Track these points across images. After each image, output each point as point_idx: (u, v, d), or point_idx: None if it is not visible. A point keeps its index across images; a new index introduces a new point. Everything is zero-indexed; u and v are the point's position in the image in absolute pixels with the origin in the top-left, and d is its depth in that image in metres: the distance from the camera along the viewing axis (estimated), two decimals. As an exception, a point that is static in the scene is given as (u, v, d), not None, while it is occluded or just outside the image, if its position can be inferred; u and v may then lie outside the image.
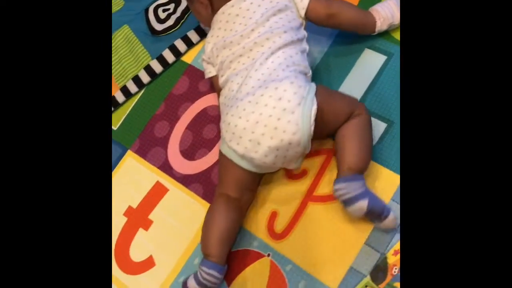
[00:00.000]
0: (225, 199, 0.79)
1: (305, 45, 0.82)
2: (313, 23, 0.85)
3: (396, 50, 0.86)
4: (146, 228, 0.88)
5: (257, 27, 0.81)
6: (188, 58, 1.00)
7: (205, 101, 0.94)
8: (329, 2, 0.85)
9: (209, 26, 0.90)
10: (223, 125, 0.79)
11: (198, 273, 0.74)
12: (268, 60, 0.78)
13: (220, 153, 0.80)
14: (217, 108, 0.92)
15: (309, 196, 0.81)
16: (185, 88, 0.97)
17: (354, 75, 0.87)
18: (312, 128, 0.74)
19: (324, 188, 0.81)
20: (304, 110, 0.73)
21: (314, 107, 0.74)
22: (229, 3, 0.85)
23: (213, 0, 0.87)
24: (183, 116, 0.95)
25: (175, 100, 0.97)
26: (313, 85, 0.77)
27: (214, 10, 0.88)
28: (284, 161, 0.76)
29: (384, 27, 0.85)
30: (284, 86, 0.74)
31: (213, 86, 0.89)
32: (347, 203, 0.73)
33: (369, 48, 0.88)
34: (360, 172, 0.75)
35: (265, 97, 0.74)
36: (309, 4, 0.83)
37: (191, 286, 0.74)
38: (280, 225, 0.81)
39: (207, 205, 0.86)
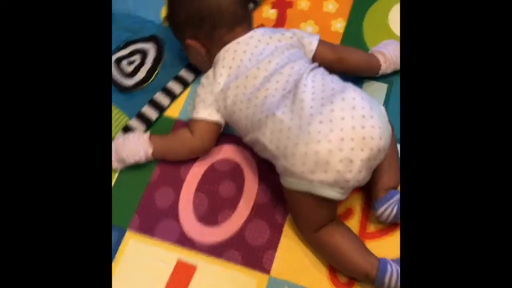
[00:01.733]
0: (322, 227, 0.71)
1: None
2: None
3: (394, 77, 0.88)
4: (182, 320, 0.72)
5: (273, 59, 0.75)
6: (172, 112, 0.87)
7: (210, 157, 0.82)
8: (336, 46, 0.84)
9: (206, 70, 0.81)
10: (292, 161, 0.67)
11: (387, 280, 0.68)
12: (308, 80, 0.71)
13: (296, 194, 0.69)
14: (226, 162, 0.82)
15: (364, 235, 0.76)
16: (179, 146, 0.84)
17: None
18: (390, 128, 0.70)
19: (375, 223, 0.76)
20: (378, 112, 0.69)
21: (382, 106, 0.71)
22: (233, 41, 0.78)
23: (210, 47, 0.80)
24: (188, 177, 0.81)
25: (172, 162, 0.83)
26: None
27: (212, 55, 0.80)
28: (369, 173, 0.69)
29: (388, 71, 0.86)
30: (350, 94, 0.68)
31: (203, 133, 0.78)
32: (396, 218, 0.73)
33: (368, 78, 0.88)
34: (395, 189, 0.74)
35: (336, 111, 0.66)
36: (317, 47, 0.80)
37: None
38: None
39: (251, 272, 0.73)
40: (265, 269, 0.74)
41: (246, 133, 0.76)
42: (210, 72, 0.80)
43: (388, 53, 0.85)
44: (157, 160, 0.82)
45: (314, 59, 0.80)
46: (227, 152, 0.83)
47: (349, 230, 0.73)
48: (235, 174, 0.81)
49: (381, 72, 0.85)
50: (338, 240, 0.70)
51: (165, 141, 0.81)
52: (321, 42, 0.80)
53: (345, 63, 0.82)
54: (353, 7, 0.95)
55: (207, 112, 0.78)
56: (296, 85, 0.70)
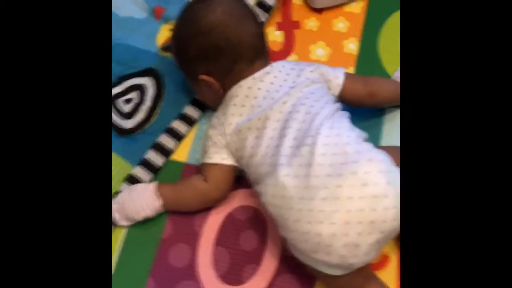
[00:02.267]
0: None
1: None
2: (346, 103, 0.72)
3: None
4: None
5: (289, 99, 0.67)
6: (180, 155, 0.78)
7: (227, 205, 0.74)
8: (364, 78, 0.76)
9: (216, 107, 0.73)
10: (293, 236, 0.61)
11: None
12: (321, 134, 0.62)
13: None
14: (245, 209, 0.74)
15: (404, 284, 0.70)
16: (191, 194, 0.75)
17: (389, 132, 0.78)
18: None
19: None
20: (396, 188, 0.59)
21: (399, 178, 0.60)
22: (248, 78, 0.70)
23: (225, 83, 0.71)
24: (204, 230, 0.73)
25: (184, 213, 0.74)
26: (382, 151, 0.63)
27: (225, 92, 0.71)
28: (379, 252, 0.62)
29: None
30: (364, 168, 0.59)
31: (218, 179, 0.70)
32: None
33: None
34: None
35: (344, 188, 0.58)
36: (344, 82, 0.72)
37: None
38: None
39: (285, 336, 0.67)
40: (301, 331, 0.67)
41: (253, 183, 0.68)
42: (220, 112, 0.72)
43: None
44: (168, 211, 0.74)
45: (341, 95, 0.72)
46: (245, 197, 0.75)
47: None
48: (256, 222, 0.73)
49: None
50: None
51: (175, 190, 0.73)
52: (347, 76, 0.72)
53: (377, 97, 0.74)
54: (365, 24, 0.88)
55: (220, 156, 0.70)
56: (307, 139, 0.62)
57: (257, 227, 0.73)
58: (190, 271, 0.71)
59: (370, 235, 0.58)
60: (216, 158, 0.70)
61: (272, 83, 0.69)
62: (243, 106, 0.69)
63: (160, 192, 0.72)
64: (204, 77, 0.70)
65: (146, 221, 0.73)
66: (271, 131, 0.65)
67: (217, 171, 0.70)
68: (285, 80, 0.69)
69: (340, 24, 0.88)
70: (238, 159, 0.70)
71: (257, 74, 0.70)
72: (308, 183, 0.59)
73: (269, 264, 0.71)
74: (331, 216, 0.58)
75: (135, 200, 0.71)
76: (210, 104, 0.78)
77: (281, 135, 0.64)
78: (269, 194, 0.62)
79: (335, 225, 0.58)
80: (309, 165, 0.60)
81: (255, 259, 0.71)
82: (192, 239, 0.73)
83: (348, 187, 0.58)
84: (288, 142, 0.63)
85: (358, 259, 0.59)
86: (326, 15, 0.90)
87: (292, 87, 0.68)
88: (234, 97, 0.70)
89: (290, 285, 0.69)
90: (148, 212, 0.71)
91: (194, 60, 0.70)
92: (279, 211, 0.62)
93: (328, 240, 0.58)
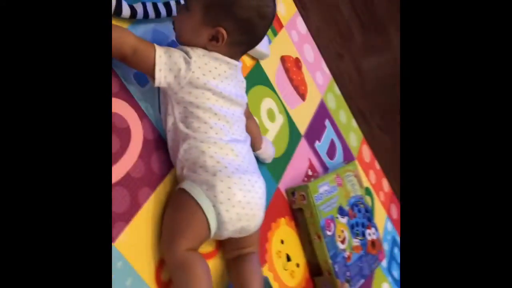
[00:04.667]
0: (196, 252, 0.74)
1: None
2: None
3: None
4: None
5: (238, 105, 0.82)
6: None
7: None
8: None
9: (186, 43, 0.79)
10: (219, 186, 0.74)
11: None
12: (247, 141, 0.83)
13: (194, 204, 0.75)
14: (119, 118, 0.78)
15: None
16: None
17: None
18: None
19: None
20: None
21: None
22: (233, 61, 0.80)
23: (226, 46, 0.78)
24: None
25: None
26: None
27: (210, 50, 0.78)
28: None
29: (262, 156, 0.98)
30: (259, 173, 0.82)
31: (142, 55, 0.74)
32: None
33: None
34: None
35: (259, 182, 0.79)
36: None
37: None
38: None
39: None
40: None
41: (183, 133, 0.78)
42: (204, 56, 0.77)
43: (269, 145, 1.01)
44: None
45: None
46: (124, 109, 0.79)
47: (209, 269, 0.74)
48: (122, 134, 0.78)
49: (259, 151, 0.96)
50: (199, 270, 0.71)
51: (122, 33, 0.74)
52: None
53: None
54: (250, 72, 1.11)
55: (164, 74, 0.75)
56: (241, 135, 0.82)
57: (121, 137, 0.78)
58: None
59: (248, 221, 0.79)
60: (163, 73, 0.74)
61: (235, 78, 0.82)
62: (219, 75, 0.78)
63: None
64: (222, 30, 0.76)
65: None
66: (233, 114, 0.80)
67: (148, 56, 0.74)
68: (240, 86, 0.84)
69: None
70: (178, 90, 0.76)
71: (235, 63, 0.80)
72: (240, 163, 0.78)
73: (114, 173, 0.75)
74: (248, 192, 0.77)
75: None
76: (184, 36, 0.80)
77: (236, 122, 0.81)
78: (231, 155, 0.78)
79: (245, 198, 0.77)
80: (247, 154, 0.81)
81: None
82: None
83: (259, 179, 0.81)
84: (235, 129, 0.80)
85: (229, 232, 0.78)
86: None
87: (242, 96, 0.84)
88: (217, 64, 0.78)
89: (121, 198, 0.75)
90: None
91: (232, 16, 0.76)
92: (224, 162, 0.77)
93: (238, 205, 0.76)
